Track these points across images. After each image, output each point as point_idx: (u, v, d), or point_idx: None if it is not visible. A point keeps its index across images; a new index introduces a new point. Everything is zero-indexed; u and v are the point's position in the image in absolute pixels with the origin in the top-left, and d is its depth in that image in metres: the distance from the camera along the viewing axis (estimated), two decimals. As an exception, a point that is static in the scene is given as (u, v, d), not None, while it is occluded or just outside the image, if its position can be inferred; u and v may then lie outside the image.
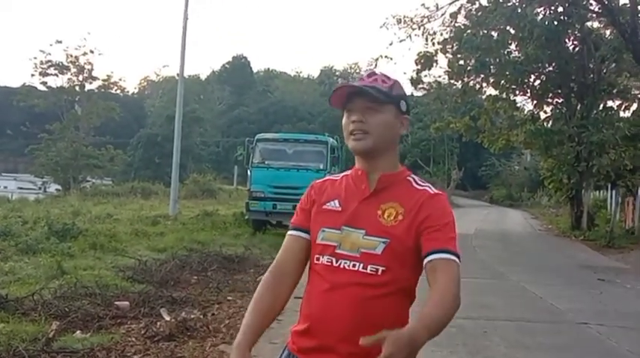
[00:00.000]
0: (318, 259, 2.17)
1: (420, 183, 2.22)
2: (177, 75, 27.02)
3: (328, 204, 2.22)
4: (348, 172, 2.29)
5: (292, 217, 2.33)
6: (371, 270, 2.08)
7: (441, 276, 2.03)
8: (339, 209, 2.19)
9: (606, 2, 23.80)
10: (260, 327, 2.20)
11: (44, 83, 43.77)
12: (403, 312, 2.15)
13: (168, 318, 7.09)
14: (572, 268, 15.65)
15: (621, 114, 27.58)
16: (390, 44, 28.62)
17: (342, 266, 2.11)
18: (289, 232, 2.30)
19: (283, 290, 2.25)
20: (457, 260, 2.07)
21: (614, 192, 28.93)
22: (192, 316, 7.27)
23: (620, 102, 27.81)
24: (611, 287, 12.55)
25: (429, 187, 2.20)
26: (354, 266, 2.09)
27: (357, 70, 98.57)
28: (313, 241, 2.21)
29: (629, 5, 23.64)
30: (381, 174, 2.18)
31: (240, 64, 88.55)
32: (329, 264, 2.13)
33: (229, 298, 9.04)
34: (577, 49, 26.96)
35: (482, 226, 28.30)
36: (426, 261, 2.07)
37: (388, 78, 2.22)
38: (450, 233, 2.11)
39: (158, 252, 12.90)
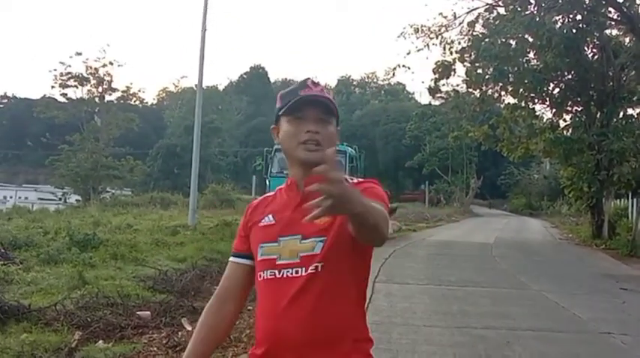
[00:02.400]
0: (261, 276, 2.15)
1: (347, 179, 2.11)
2: (196, 86, 27.20)
3: (263, 220, 2.21)
4: (282, 186, 2.29)
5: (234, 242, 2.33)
6: (311, 270, 2.05)
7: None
8: (273, 222, 2.18)
9: (625, 9, 23.70)
10: (203, 354, 2.26)
11: (64, 95, 44.16)
12: (360, 304, 2.15)
13: (189, 328, 7.10)
14: (593, 277, 15.50)
15: (642, 122, 27.38)
16: (408, 53, 28.48)
17: (284, 275, 2.09)
18: (231, 258, 2.32)
19: (227, 317, 2.28)
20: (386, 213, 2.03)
21: (635, 200, 28.64)
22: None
23: (640, 110, 27.60)
24: (634, 296, 12.40)
25: (360, 180, 2.21)
26: (296, 272, 2.07)
27: (375, 80, 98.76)
28: (255, 259, 2.19)
29: (648, 12, 23.53)
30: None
31: (257, 74, 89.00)
32: (272, 277, 2.11)
33: (249, 308, 9.00)
34: (596, 56, 26.81)
35: (502, 235, 28.14)
36: None
37: (328, 90, 2.23)
38: (379, 198, 2.07)
39: (178, 261, 12.91)
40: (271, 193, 2.34)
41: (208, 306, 2.30)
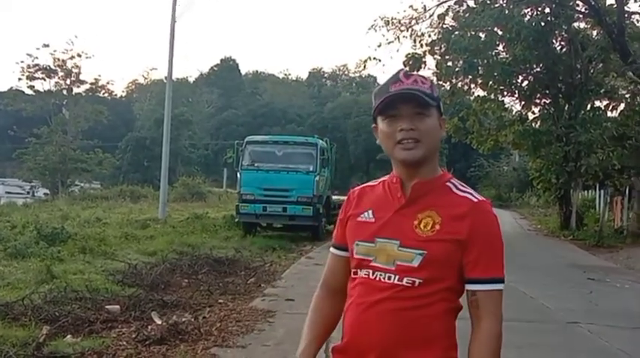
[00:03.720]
0: (355, 273, 2.10)
1: (460, 188, 2.10)
2: (166, 78, 26.93)
3: (362, 215, 2.13)
4: (386, 178, 2.18)
5: (339, 227, 2.24)
6: (407, 283, 1.99)
7: (486, 320, 2.00)
8: (373, 220, 2.09)
9: (593, 3, 23.94)
10: (322, 338, 2.21)
11: (31, 87, 43.67)
12: (446, 325, 2.05)
13: (159, 322, 7.06)
14: (561, 268, 15.71)
15: (609, 114, 27.71)
16: (379, 46, 28.45)
17: (377, 278, 2.03)
18: (331, 249, 2.27)
19: (337, 305, 2.20)
20: (501, 286, 2.02)
21: (602, 191, 29.09)
22: (184, 319, 7.25)
23: (607, 102, 27.93)
24: (601, 286, 12.60)
25: (471, 194, 2.09)
26: (389, 278, 2.01)
27: (346, 72, 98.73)
28: (351, 255, 2.13)
29: (615, 5, 23.80)
30: (416, 180, 2.06)
31: (228, 67, 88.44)
32: (366, 277, 2.06)
33: (220, 301, 9.02)
34: (564, 49, 27.10)
35: (471, 227, 28.34)
36: (468, 288, 2.02)
37: (425, 79, 2.10)
38: (496, 253, 2.03)
39: (148, 255, 12.85)
40: (373, 182, 2.24)
41: (318, 295, 2.27)
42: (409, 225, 2.02)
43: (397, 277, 1.99)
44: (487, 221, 2.03)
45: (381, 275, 2.02)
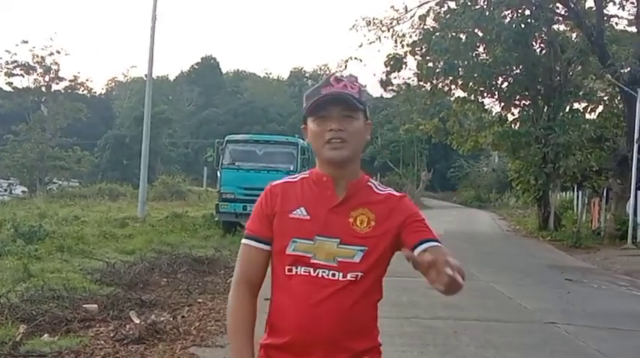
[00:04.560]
0: (291, 270, 2.11)
1: (380, 188, 2.24)
2: (146, 76, 26.79)
3: (295, 212, 2.15)
4: (306, 175, 2.24)
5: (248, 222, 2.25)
6: (351, 277, 2.08)
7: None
8: (308, 218, 2.13)
9: (572, 5, 24.17)
10: (252, 339, 2.19)
11: (10, 84, 43.22)
12: (375, 313, 2.20)
13: (137, 321, 7.02)
14: (540, 268, 15.83)
15: (587, 116, 28.08)
16: (360, 46, 28.56)
17: (320, 275, 2.08)
18: (248, 241, 2.20)
19: (256, 301, 2.22)
20: (440, 244, 2.15)
21: (580, 193, 29.40)
22: (162, 319, 7.21)
23: (585, 104, 28.27)
24: (579, 286, 12.71)
25: (391, 191, 2.23)
26: (333, 275, 2.08)
27: (327, 72, 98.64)
28: (280, 251, 2.14)
29: (594, 8, 24.04)
30: (347, 181, 2.16)
31: (209, 65, 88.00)
32: (307, 274, 2.09)
33: (199, 300, 8.98)
34: (544, 51, 27.35)
35: (451, 227, 28.42)
36: (418, 249, 2.08)
37: (354, 83, 2.18)
38: (426, 226, 2.19)
39: (127, 254, 12.77)
40: (293, 178, 2.27)
41: (243, 296, 2.20)
42: (345, 222, 2.12)
43: (341, 274, 2.08)
44: (411, 208, 2.21)
45: (323, 272, 2.08)
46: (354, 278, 2.08)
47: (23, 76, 42.60)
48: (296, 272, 2.11)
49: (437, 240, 2.13)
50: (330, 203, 2.14)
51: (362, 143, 2.19)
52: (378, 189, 2.22)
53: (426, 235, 2.14)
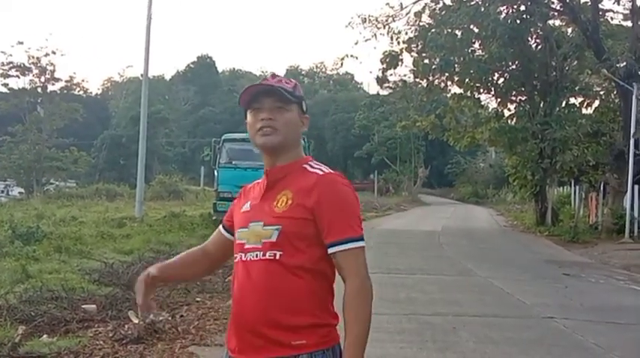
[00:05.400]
0: (235, 258, 2.30)
1: (314, 166, 2.30)
2: (142, 75, 26.72)
3: (244, 206, 2.36)
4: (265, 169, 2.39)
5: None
6: (269, 256, 2.18)
7: (347, 277, 2.16)
8: (249, 209, 2.32)
9: (567, 0, 24.19)
10: (175, 270, 2.55)
11: (5, 85, 43.14)
12: (315, 293, 2.20)
13: (136, 321, 7.01)
14: (537, 263, 15.85)
15: (583, 111, 28.10)
16: (356, 43, 28.81)
17: (249, 259, 2.23)
18: (220, 227, 2.51)
19: (199, 264, 2.56)
20: (358, 243, 2.18)
21: (577, 187, 29.40)
22: (161, 318, 7.20)
23: (582, 99, 28.31)
24: (576, 281, 12.74)
25: (321, 169, 2.28)
26: (256, 256, 2.21)
27: (323, 69, 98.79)
28: (235, 242, 2.35)
29: (589, 3, 24.06)
30: (271, 168, 2.30)
31: (205, 64, 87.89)
32: (239, 260, 2.27)
33: (198, 299, 8.99)
34: (539, 47, 27.35)
35: (448, 223, 28.52)
36: (329, 252, 2.18)
37: (290, 80, 2.34)
38: (348, 216, 2.20)
39: (125, 254, 12.75)
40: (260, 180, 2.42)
41: (193, 250, 2.59)
42: (270, 206, 2.24)
43: (262, 253, 2.20)
44: (334, 189, 2.22)
45: (251, 255, 2.23)
46: (272, 258, 2.17)
47: (19, 77, 42.57)
48: (236, 259, 2.29)
49: (350, 239, 2.16)
50: (262, 192, 2.31)
51: (295, 132, 2.30)
52: (310, 168, 2.28)
53: (336, 234, 2.16)
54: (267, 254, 2.18)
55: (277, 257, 2.17)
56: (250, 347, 2.19)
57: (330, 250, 2.16)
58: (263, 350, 2.17)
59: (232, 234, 2.39)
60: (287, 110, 2.27)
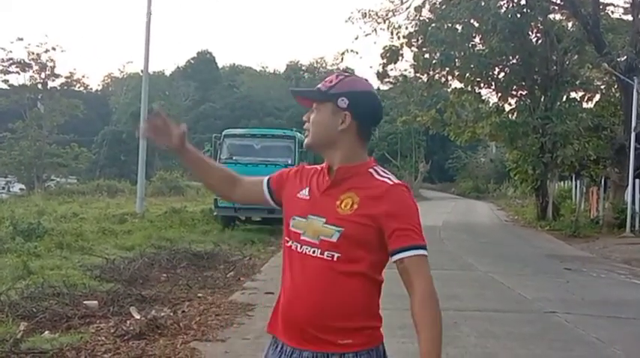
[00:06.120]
0: (287, 242, 2.31)
1: (381, 173, 2.28)
2: (142, 71, 26.71)
3: (301, 192, 2.34)
4: (324, 164, 2.39)
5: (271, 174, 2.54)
6: (327, 256, 2.19)
7: (417, 282, 2.15)
8: (308, 198, 2.30)
9: (568, -6, 24.15)
10: (202, 160, 2.57)
11: (6, 81, 43.12)
12: (366, 298, 2.23)
13: (138, 316, 7.03)
14: (539, 258, 15.87)
15: (584, 105, 28.09)
16: (356, 38, 28.82)
17: (304, 252, 2.23)
18: (265, 180, 2.52)
19: (226, 183, 2.57)
20: (424, 251, 2.17)
21: (578, 182, 29.43)
22: (163, 314, 7.22)
23: (582, 93, 28.30)
24: (578, 276, 12.75)
25: (389, 178, 2.26)
26: (313, 252, 2.21)
27: (323, 65, 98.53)
28: (285, 225, 2.34)
29: (590, -3, 24.02)
30: (338, 166, 2.28)
31: (205, 60, 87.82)
32: (295, 249, 2.27)
33: (199, 295, 9.00)
34: (540, 41, 27.31)
35: (449, 218, 28.55)
36: (394, 258, 2.17)
37: (337, 76, 2.32)
38: (413, 224, 2.19)
39: (126, 250, 12.76)
40: (318, 167, 2.43)
41: (227, 169, 2.68)
42: (333, 204, 2.23)
43: (319, 250, 2.20)
44: (403, 199, 2.22)
45: (307, 248, 2.23)
46: (330, 258, 2.18)
47: (19, 74, 42.52)
48: (289, 244, 2.30)
49: (418, 246, 2.16)
50: (324, 186, 2.28)
51: (325, 133, 2.29)
52: (378, 175, 2.27)
53: (405, 241, 2.16)
54: (326, 253, 2.19)
55: (335, 258, 2.19)
56: (297, 337, 2.23)
57: (398, 256, 2.15)
58: (309, 344, 2.20)
59: (270, 194, 2.47)
60: (318, 110, 2.30)
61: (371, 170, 2.28)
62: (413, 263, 2.15)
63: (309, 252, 2.22)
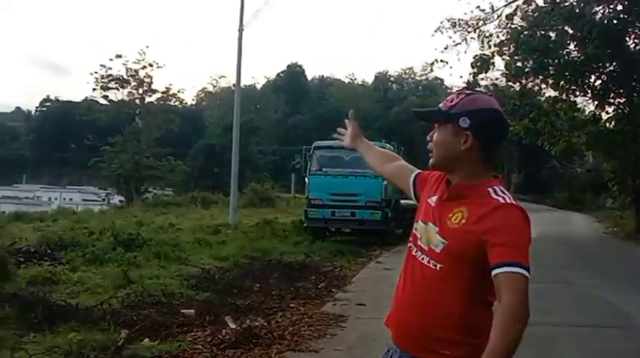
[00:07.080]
0: (409, 243, 2.41)
1: (498, 192, 2.23)
2: (234, 85, 27.31)
3: (431, 197, 2.40)
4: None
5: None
6: (432, 265, 2.25)
7: (505, 296, 2.06)
8: (433, 205, 2.36)
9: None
10: (371, 148, 2.97)
11: (105, 97, 44.92)
12: (466, 313, 2.20)
13: (233, 326, 7.16)
14: (639, 272, 15.23)
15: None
16: (446, 48, 28.27)
17: (418, 258, 2.31)
18: (415, 171, 2.65)
19: (388, 161, 2.86)
20: (523, 271, 2.07)
21: (681, 192, 28.08)
22: (257, 323, 7.33)
23: (686, 100, 27.04)
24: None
25: (504, 198, 2.21)
26: (422, 258, 2.29)
27: (412, 75, 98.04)
28: (414, 226, 2.43)
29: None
30: (456, 182, 2.31)
31: (294, 73, 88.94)
32: (411, 251, 2.36)
33: (292, 305, 9.08)
34: (638, 47, 26.32)
35: (544, 230, 27.69)
36: (492, 274, 2.10)
37: (457, 95, 2.31)
38: (516, 241, 2.11)
39: (220, 260, 13.01)
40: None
41: (392, 155, 2.97)
42: (445, 216, 2.27)
43: (427, 258, 2.27)
44: (512, 217, 2.16)
45: (419, 254, 2.32)
46: (433, 267, 2.24)
47: (118, 89, 44.22)
48: (411, 246, 2.38)
49: (515, 263, 2.06)
50: (443, 196, 2.33)
51: (446, 153, 2.30)
52: (494, 194, 2.23)
53: (502, 257, 2.07)
54: (432, 262, 2.25)
55: (438, 268, 2.23)
56: (403, 339, 2.33)
57: (496, 271, 2.07)
58: (412, 348, 2.29)
59: (414, 188, 2.58)
60: (439, 129, 2.32)
61: (490, 189, 2.24)
62: (508, 279, 2.05)
63: (421, 258, 2.29)
